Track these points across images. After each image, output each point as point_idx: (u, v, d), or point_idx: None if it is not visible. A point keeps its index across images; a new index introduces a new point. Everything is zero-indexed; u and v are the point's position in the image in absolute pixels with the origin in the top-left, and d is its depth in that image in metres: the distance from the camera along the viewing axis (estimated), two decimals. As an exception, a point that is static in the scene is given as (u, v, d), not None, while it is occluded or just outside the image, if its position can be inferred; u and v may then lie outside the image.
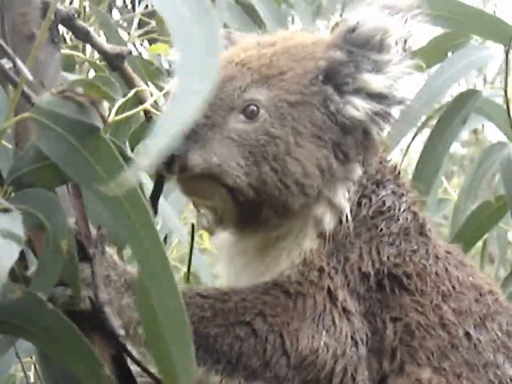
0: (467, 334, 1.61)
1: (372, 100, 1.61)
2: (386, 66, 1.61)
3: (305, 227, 1.63)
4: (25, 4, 1.48)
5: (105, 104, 1.31)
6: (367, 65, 1.61)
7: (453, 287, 1.65)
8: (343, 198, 1.63)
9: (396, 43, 1.61)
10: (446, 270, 1.67)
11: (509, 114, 2.49)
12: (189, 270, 2.22)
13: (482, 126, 4.31)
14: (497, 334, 1.63)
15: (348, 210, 1.63)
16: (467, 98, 2.46)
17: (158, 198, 2.01)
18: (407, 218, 1.69)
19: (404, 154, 2.55)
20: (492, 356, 1.61)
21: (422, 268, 1.65)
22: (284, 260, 1.63)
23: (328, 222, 1.63)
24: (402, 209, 1.69)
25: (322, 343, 1.55)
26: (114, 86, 1.45)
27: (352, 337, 1.57)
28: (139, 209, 1.14)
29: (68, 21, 1.74)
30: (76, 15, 1.75)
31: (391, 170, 1.73)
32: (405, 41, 1.63)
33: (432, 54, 2.42)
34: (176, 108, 1.07)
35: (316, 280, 1.59)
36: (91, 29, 1.78)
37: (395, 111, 1.66)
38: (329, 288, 1.59)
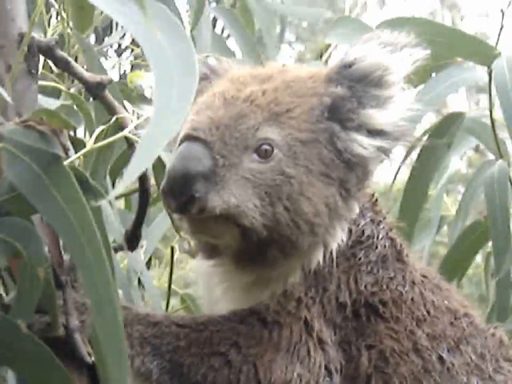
0: (440, 358, 1.64)
1: (375, 136, 1.61)
2: (388, 102, 1.61)
3: (297, 264, 1.64)
4: (2, 36, 1.53)
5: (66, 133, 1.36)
6: (369, 100, 1.61)
7: (428, 312, 1.68)
8: (338, 238, 1.64)
9: (397, 80, 1.62)
10: (422, 295, 1.70)
11: (494, 134, 2.55)
12: (169, 288, 2.24)
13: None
14: (471, 357, 1.66)
15: (334, 248, 1.64)
16: (452, 121, 2.51)
17: (142, 223, 2.06)
18: (385, 246, 1.71)
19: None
20: (465, 378, 1.64)
21: (398, 294, 1.67)
22: (265, 290, 1.64)
23: (317, 260, 1.64)
24: (380, 237, 1.71)
25: (295, 374, 1.57)
26: (77, 115, 1.49)
27: (326, 367, 1.60)
28: (93, 241, 1.20)
29: (48, 52, 1.80)
30: (56, 45, 1.80)
31: (368, 198, 1.75)
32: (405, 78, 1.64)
33: (415, 76, 2.46)
34: (155, 130, 1.12)
35: (294, 310, 1.62)
36: (71, 59, 1.82)
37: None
38: (306, 318, 1.61)
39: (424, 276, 1.75)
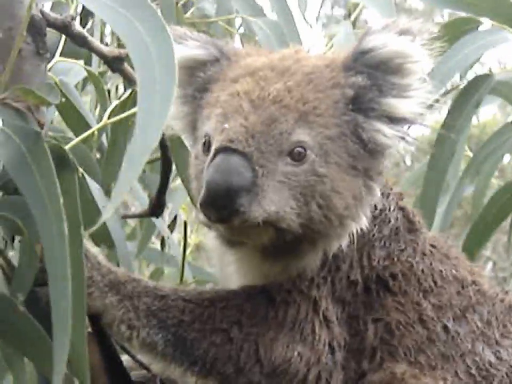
0: (445, 328, 1.62)
1: (397, 124, 1.58)
2: (408, 90, 1.57)
3: (321, 251, 1.61)
4: (11, 18, 1.54)
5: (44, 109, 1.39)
6: (389, 89, 1.56)
7: (435, 283, 1.66)
8: (362, 223, 1.60)
9: (417, 69, 1.57)
10: (431, 265, 1.67)
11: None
12: (183, 267, 2.26)
13: None
14: (477, 325, 1.64)
15: (355, 231, 1.60)
16: (481, 82, 2.44)
17: (165, 190, 2.09)
18: (397, 218, 1.69)
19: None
20: (470, 345, 1.61)
21: (408, 266, 1.65)
22: (283, 273, 1.62)
23: (340, 245, 1.61)
24: (392, 209, 1.68)
25: (296, 353, 1.56)
26: (54, 91, 1.49)
27: (330, 345, 1.59)
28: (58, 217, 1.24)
29: (64, 29, 1.81)
30: (72, 21, 1.82)
31: None
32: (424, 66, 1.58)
33: (444, 41, 2.40)
34: (140, 138, 1.13)
35: (306, 290, 1.60)
36: (88, 35, 1.83)
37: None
38: (315, 298, 1.59)
39: (433, 246, 1.71)
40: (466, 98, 2.44)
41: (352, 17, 2.59)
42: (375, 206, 1.65)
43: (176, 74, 1.17)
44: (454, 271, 1.70)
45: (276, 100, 1.53)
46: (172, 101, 1.14)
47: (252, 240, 1.57)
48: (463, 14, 2.47)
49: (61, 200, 1.24)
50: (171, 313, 1.56)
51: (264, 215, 1.47)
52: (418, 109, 1.57)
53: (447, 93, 2.55)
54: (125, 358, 1.70)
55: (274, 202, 1.48)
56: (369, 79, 1.57)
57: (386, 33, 1.57)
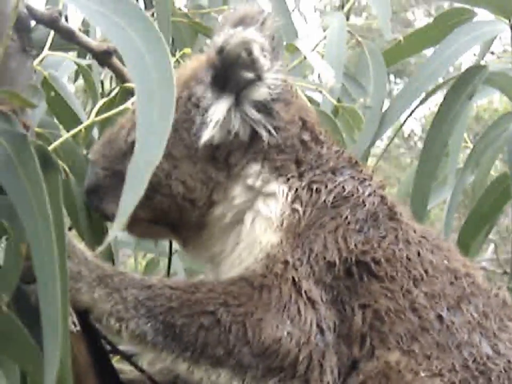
0: (439, 317, 1.61)
1: (254, 108, 1.71)
2: (261, 74, 1.69)
3: (247, 224, 1.72)
4: (-3, 14, 1.54)
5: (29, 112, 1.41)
6: (238, 84, 1.70)
7: (426, 271, 1.65)
8: (236, 192, 1.73)
9: (260, 53, 1.67)
10: (419, 254, 1.67)
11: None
12: (169, 261, 2.25)
13: None
14: (473, 316, 1.62)
15: (280, 192, 1.71)
16: (474, 73, 2.43)
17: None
18: (373, 203, 1.70)
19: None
20: (466, 336, 1.59)
21: (391, 253, 1.65)
22: (246, 257, 1.68)
23: (269, 211, 1.70)
24: (367, 194, 1.70)
25: (285, 333, 1.56)
26: (39, 92, 1.50)
27: (318, 325, 1.58)
28: (45, 219, 1.25)
29: (52, 24, 1.81)
30: (60, 16, 1.81)
31: (346, 160, 1.78)
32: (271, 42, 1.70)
33: (438, 31, 2.41)
34: (141, 155, 1.18)
35: (281, 272, 1.61)
36: (75, 29, 1.83)
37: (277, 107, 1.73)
38: (293, 279, 1.60)
39: (422, 236, 1.71)
40: (460, 90, 2.42)
41: (346, 8, 2.56)
42: (343, 187, 1.71)
43: (174, 85, 1.17)
44: (445, 261, 1.69)
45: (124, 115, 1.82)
46: (172, 114, 1.15)
47: (145, 229, 1.83)
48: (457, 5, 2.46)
49: (47, 202, 1.24)
50: (158, 302, 1.56)
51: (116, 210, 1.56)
52: (270, 91, 1.70)
53: (440, 84, 2.54)
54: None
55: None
56: (226, 76, 1.70)
57: (226, 29, 1.70)
